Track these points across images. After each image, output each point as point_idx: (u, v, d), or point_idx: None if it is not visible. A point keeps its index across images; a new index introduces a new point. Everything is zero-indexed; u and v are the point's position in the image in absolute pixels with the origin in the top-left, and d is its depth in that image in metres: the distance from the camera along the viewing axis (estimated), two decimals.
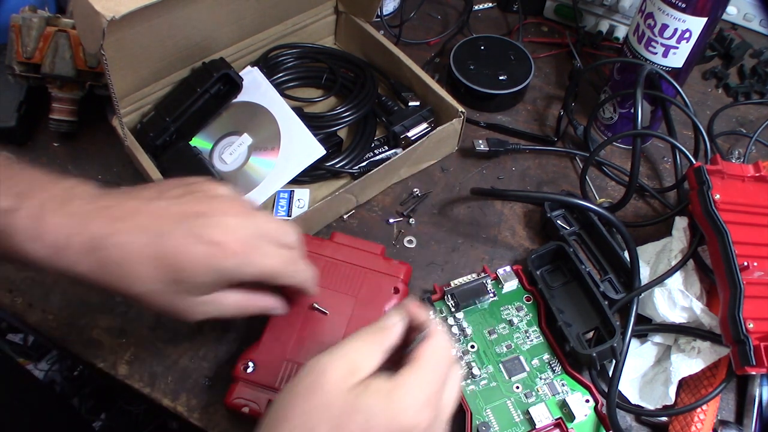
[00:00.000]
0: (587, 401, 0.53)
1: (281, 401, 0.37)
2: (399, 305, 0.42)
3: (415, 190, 0.69)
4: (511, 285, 0.59)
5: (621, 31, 0.82)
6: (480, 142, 0.71)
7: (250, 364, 0.51)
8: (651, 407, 0.54)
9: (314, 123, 0.67)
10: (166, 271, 0.41)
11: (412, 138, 0.68)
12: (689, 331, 0.55)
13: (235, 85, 0.66)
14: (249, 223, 0.44)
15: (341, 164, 0.67)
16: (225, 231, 0.43)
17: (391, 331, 0.40)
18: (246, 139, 0.66)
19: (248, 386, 0.51)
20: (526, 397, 0.53)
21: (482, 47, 0.78)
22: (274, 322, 0.54)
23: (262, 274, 0.44)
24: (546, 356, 0.56)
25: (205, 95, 0.65)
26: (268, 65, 0.72)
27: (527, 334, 0.57)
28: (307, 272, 0.48)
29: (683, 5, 0.60)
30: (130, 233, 0.41)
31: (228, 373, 0.55)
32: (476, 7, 0.89)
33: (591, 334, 0.56)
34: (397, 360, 0.39)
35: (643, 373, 0.56)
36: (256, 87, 0.67)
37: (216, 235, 0.42)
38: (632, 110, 0.63)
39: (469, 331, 0.56)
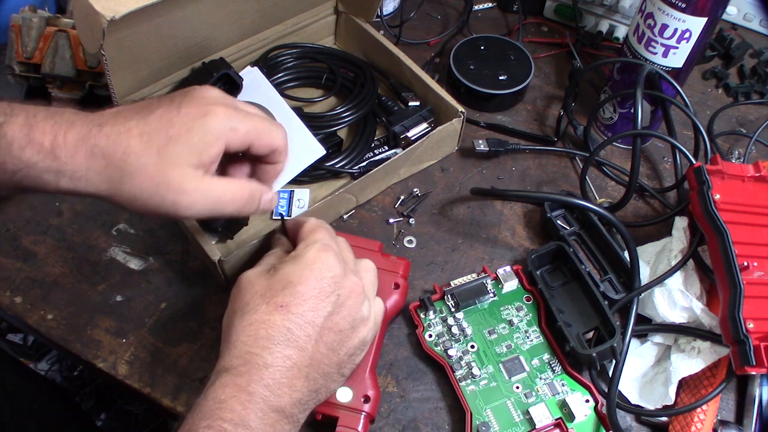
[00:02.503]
0: (587, 401, 0.53)
1: (225, 318, 0.47)
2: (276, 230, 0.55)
3: (415, 190, 0.69)
4: (511, 285, 0.59)
5: (621, 31, 0.82)
6: (480, 142, 0.71)
7: None
8: (651, 407, 0.54)
9: (314, 123, 0.67)
10: (156, 139, 0.43)
11: (412, 138, 0.68)
12: (689, 331, 0.55)
13: (235, 85, 0.66)
14: (231, 99, 0.48)
15: (341, 164, 0.67)
16: (205, 102, 0.45)
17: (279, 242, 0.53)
18: None
19: None
20: (526, 397, 0.53)
21: (482, 47, 0.78)
22: None
23: (248, 134, 0.46)
24: (546, 356, 0.56)
25: None
26: (268, 65, 0.72)
27: (527, 334, 0.57)
28: (282, 132, 0.50)
29: (683, 5, 0.60)
30: (116, 122, 0.43)
31: None
32: (476, 7, 0.89)
33: (591, 334, 0.56)
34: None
35: (643, 373, 0.56)
36: (256, 87, 0.67)
37: (197, 109, 0.45)
38: (632, 110, 0.63)
39: (469, 331, 0.56)
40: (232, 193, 0.46)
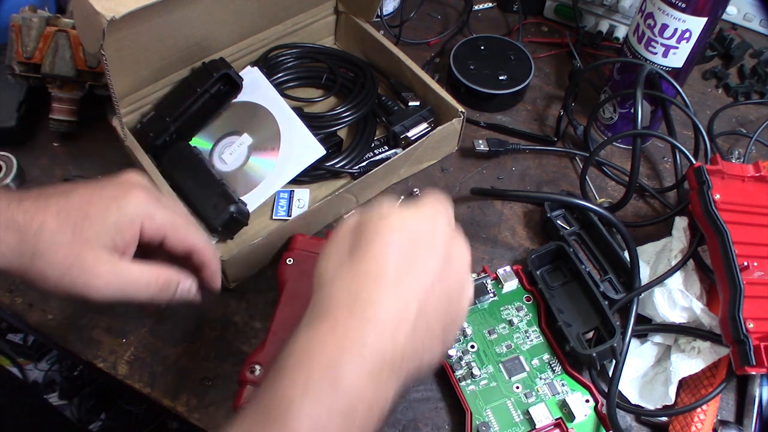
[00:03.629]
0: (587, 401, 0.53)
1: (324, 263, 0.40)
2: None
3: (415, 190, 0.69)
4: (511, 285, 0.59)
5: (621, 31, 0.82)
6: (480, 142, 0.71)
7: (257, 367, 0.51)
8: (651, 407, 0.54)
9: (314, 123, 0.67)
10: (74, 216, 0.43)
11: (412, 138, 0.68)
12: (689, 331, 0.55)
13: (235, 85, 0.66)
14: (155, 190, 0.47)
15: (341, 164, 0.67)
16: (127, 185, 0.45)
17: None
18: (246, 139, 0.66)
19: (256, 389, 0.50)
20: (526, 397, 0.53)
21: (482, 47, 0.78)
22: (277, 323, 0.53)
23: (163, 225, 0.46)
24: (546, 356, 0.56)
25: (205, 95, 0.65)
26: (268, 65, 0.72)
27: (527, 334, 0.57)
28: (203, 236, 0.49)
29: (683, 5, 0.60)
30: (37, 198, 0.43)
31: (228, 372, 0.55)
32: (476, 7, 0.89)
33: (591, 334, 0.56)
34: None
35: (643, 373, 0.56)
36: (256, 87, 0.67)
37: (118, 190, 0.45)
38: (632, 110, 0.63)
39: (469, 331, 0.56)
40: (146, 279, 0.45)
